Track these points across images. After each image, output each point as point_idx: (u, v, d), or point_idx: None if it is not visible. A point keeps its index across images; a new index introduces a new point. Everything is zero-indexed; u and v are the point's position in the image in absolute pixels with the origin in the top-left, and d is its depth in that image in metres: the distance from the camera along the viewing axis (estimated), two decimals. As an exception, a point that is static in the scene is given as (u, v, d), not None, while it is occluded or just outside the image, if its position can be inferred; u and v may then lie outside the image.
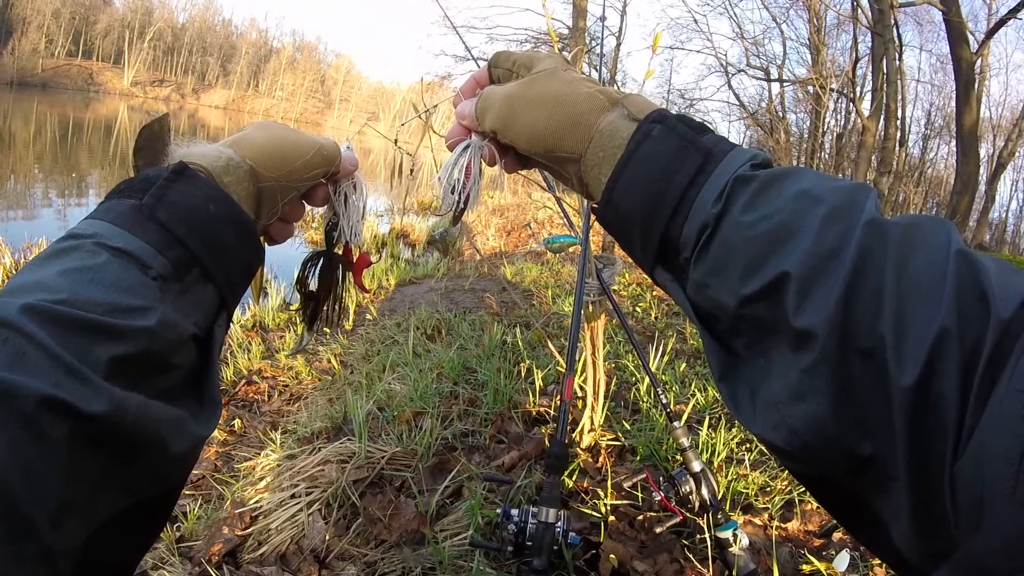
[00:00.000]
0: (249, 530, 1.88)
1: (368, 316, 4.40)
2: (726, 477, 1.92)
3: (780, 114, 18.24)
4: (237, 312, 4.06)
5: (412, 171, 0.76)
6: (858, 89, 15.19)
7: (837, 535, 1.74)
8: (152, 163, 0.56)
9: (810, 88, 15.47)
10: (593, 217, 1.83)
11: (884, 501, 0.35)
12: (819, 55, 15.65)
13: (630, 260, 0.51)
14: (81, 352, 0.38)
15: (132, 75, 71.67)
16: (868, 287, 0.34)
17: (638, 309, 4.29)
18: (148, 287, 0.45)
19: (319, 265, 0.72)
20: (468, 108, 0.59)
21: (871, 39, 11.64)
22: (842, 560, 1.51)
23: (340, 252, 0.73)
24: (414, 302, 4.68)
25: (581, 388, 2.15)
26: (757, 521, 1.79)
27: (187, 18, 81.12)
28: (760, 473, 1.98)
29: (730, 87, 17.72)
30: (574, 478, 1.92)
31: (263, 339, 4.08)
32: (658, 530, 1.57)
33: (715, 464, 2.02)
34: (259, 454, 2.36)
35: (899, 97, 11.87)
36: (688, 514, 1.57)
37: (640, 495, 1.81)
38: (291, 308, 4.82)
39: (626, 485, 1.79)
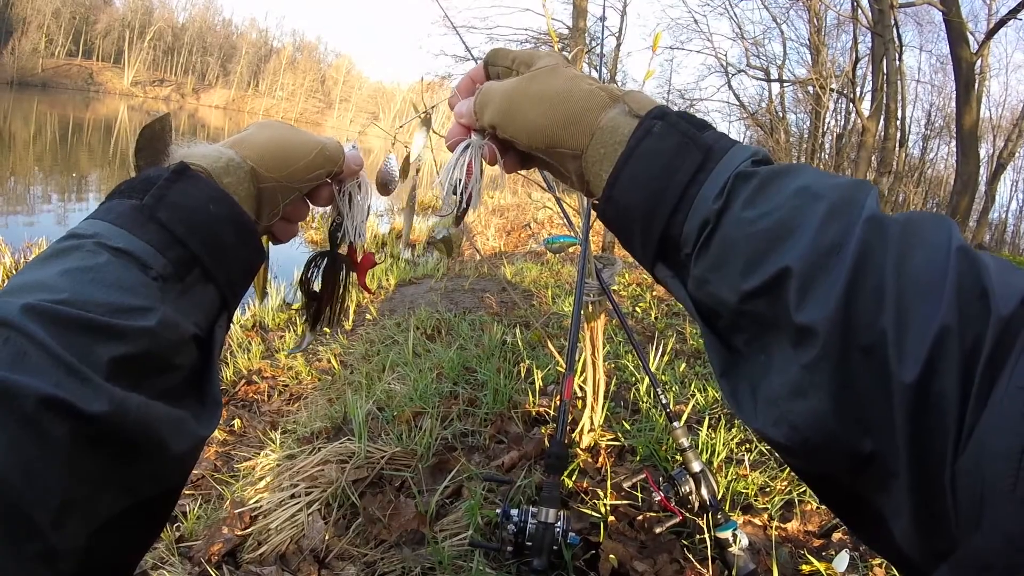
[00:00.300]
0: (249, 530, 1.88)
1: (368, 316, 4.40)
2: (726, 477, 1.92)
3: (780, 114, 18.23)
4: (237, 312, 4.05)
5: (418, 171, 0.75)
6: (858, 89, 15.18)
7: (837, 535, 1.74)
8: (153, 163, 0.56)
9: (810, 88, 15.45)
10: (593, 217, 1.83)
11: (885, 499, 0.35)
12: (819, 55, 15.64)
13: (630, 260, 0.51)
14: (82, 352, 0.38)
15: (132, 75, 71.66)
16: (869, 283, 0.34)
17: (638, 309, 4.29)
18: (149, 287, 0.45)
19: (323, 265, 0.72)
20: (466, 107, 0.59)
21: (871, 39, 11.63)
22: (842, 560, 1.51)
23: (344, 252, 0.72)
24: (414, 302, 4.68)
25: (581, 388, 2.15)
26: (757, 521, 1.79)
27: (187, 18, 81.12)
28: (760, 473, 1.98)
29: (730, 87, 17.72)
30: (574, 478, 1.92)
31: (263, 339, 4.08)
32: (658, 530, 1.57)
33: (715, 464, 2.02)
34: (259, 454, 2.36)
35: (899, 97, 11.87)
36: (688, 514, 1.57)
37: (640, 495, 1.81)
38: (292, 308, 4.82)
39: (626, 485, 1.79)
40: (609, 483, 1.84)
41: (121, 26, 72.49)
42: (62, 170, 14.40)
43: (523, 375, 2.73)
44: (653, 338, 3.50)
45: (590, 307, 1.97)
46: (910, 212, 0.38)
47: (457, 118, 0.60)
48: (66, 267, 0.43)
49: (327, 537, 1.78)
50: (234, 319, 2.88)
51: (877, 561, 1.61)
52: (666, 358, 2.98)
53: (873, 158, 11.93)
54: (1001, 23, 10.81)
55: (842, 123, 17.60)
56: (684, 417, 2.22)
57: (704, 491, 1.53)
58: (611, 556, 1.55)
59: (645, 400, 2.48)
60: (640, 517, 1.74)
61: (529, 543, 1.36)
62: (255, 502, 1.98)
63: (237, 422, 2.87)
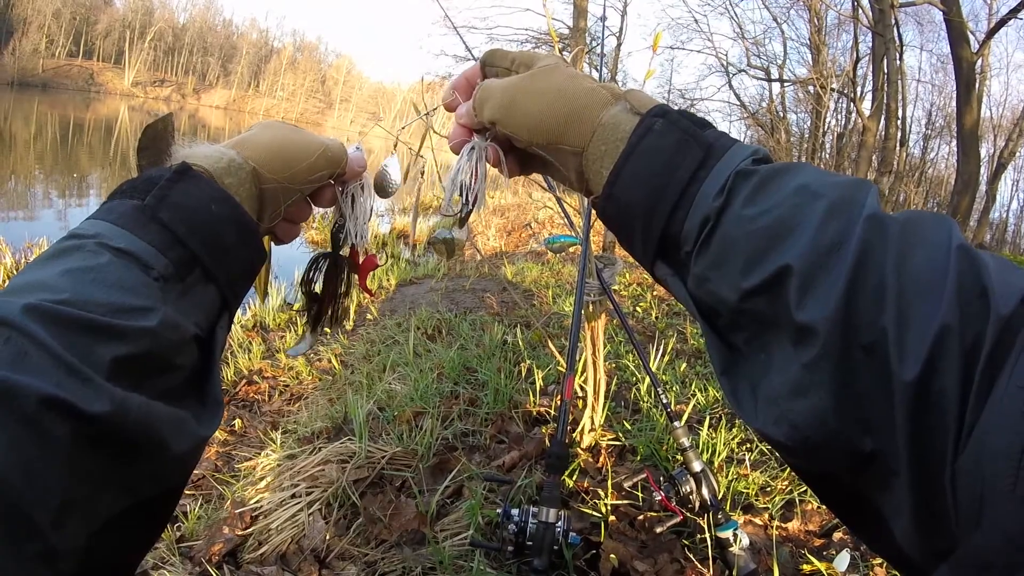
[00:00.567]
0: (249, 530, 1.88)
1: (369, 316, 4.40)
2: (726, 477, 1.92)
3: (781, 114, 18.24)
4: (238, 312, 4.05)
5: (422, 173, 0.75)
6: (859, 89, 15.17)
7: (837, 535, 1.74)
8: (155, 163, 0.56)
9: (811, 88, 15.45)
10: (594, 217, 1.83)
11: (885, 497, 0.35)
12: (820, 55, 15.64)
13: (631, 260, 0.51)
14: (83, 352, 0.38)
15: (133, 75, 71.71)
16: (870, 282, 0.35)
17: (638, 309, 4.28)
18: (150, 287, 0.45)
19: (324, 267, 0.72)
20: (466, 108, 0.59)
21: (872, 39, 11.63)
22: (842, 560, 1.51)
23: (346, 254, 0.72)
24: (415, 302, 4.67)
25: (581, 388, 2.15)
26: (757, 521, 1.79)
27: (188, 18, 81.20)
28: (760, 473, 1.98)
29: (731, 87, 17.74)
30: (574, 478, 1.92)
31: (264, 339, 4.08)
32: (658, 530, 1.57)
33: (715, 464, 2.02)
34: (259, 454, 2.36)
35: (900, 97, 11.87)
36: (688, 514, 1.57)
37: (640, 495, 1.81)
38: (292, 308, 4.82)
39: (626, 485, 1.79)
40: (610, 483, 1.84)
41: (121, 26, 72.55)
42: (63, 170, 14.41)
43: (524, 375, 2.73)
44: (654, 338, 3.50)
45: (591, 307, 1.97)
46: (910, 211, 0.38)
47: (457, 119, 0.60)
48: (67, 267, 0.43)
49: (328, 537, 1.78)
50: (235, 319, 2.88)
51: (878, 561, 1.61)
52: (667, 358, 2.98)
53: (874, 158, 11.93)
54: (1002, 23, 10.80)
55: (843, 123, 17.61)
56: (685, 417, 2.21)
57: (705, 491, 1.53)
58: (612, 556, 1.55)
59: (646, 400, 2.48)
60: (641, 517, 1.73)
61: (530, 543, 1.36)
62: (256, 502, 1.98)
63: (238, 422, 2.87)
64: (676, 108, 0.48)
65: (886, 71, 10.84)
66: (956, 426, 0.30)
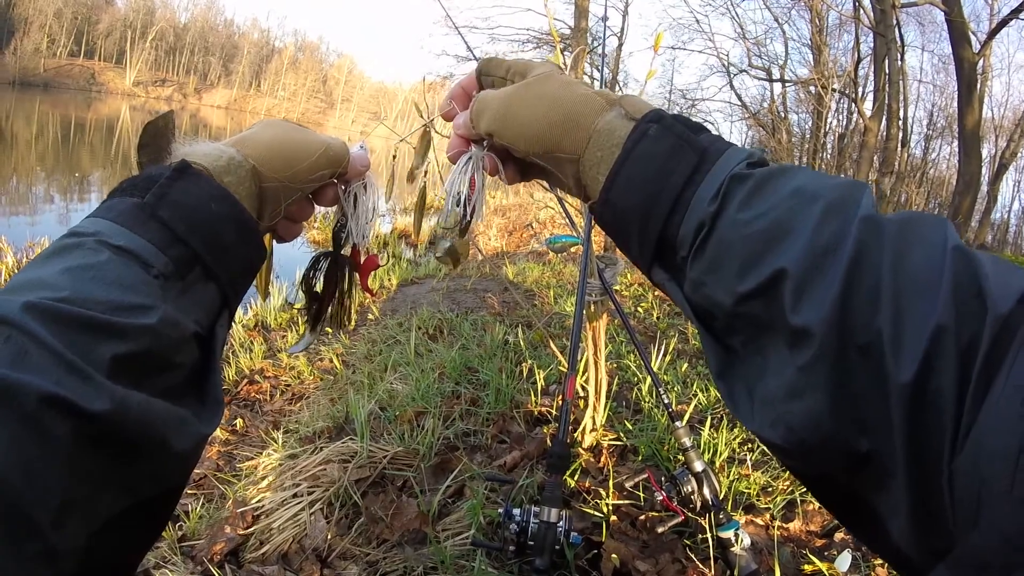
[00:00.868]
0: (251, 529, 1.88)
1: (370, 316, 4.40)
2: (728, 477, 1.92)
3: (782, 114, 18.22)
4: (239, 311, 4.06)
5: (426, 174, 0.75)
6: (860, 89, 15.14)
7: (839, 535, 1.74)
8: (156, 160, 0.55)
9: (812, 88, 15.42)
10: (596, 223, 1.82)
11: (882, 498, 0.35)
12: (821, 55, 15.61)
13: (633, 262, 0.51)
14: (83, 350, 0.38)
15: (134, 75, 71.82)
16: (865, 283, 0.35)
17: (640, 309, 4.28)
18: (150, 285, 0.45)
19: (326, 266, 0.71)
20: (463, 118, 0.59)
21: (873, 39, 11.61)
22: (844, 560, 1.51)
23: (348, 254, 0.72)
24: (416, 302, 4.68)
25: (583, 388, 2.15)
26: (759, 521, 1.79)
27: (189, 18, 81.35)
28: (762, 473, 1.98)
29: (732, 87, 17.70)
30: (576, 478, 1.92)
31: (265, 338, 4.08)
32: (660, 530, 1.57)
33: (717, 464, 2.02)
34: (261, 453, 2.37)
35: (901, 97, 11.86)
36: (690, 514, 1.57)
37: (642, 495, 1.81)
38: (293, 307, 4.82)
39: (628, 485, 1.79)
40: (611, 483, 1.83)
41: (123, 26, 72.68)
42: (64, 170, 14.44)
43: (525, 375, 2.73)
44: (655, 338, 3.50)
45: (592, 307, 1.97)
46: (906, 212, 0.38)
47: (455, 130, 0.61)
48: (67, 265, 0.43)
49: (329, 536, 1.78)
50: (236, 318, 2.88)
51: (879, 562, 1.61)
52: (668, 358, 2.98)
53: (875, 158, 11.92)
54: (1003, 23, 10.78)
55: (844, 123, 17.58)
56: (686, 417, 2.21)
57: (706, 491, 1.53)
58: (613, 556, 1.55)
59: (647, 400, 2.48)
60: (642, 517, 1.73)
61: (531, 543, 1.36)
62: (257, 501, 1.98)
63: (239, 421, 2.87)
64: (672, 113, 0.48)
65: (887, 71, 10.84)
66: (953, 426, 0.30)
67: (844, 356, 0.34)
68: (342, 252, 0.71)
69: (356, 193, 0.67)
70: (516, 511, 1.40)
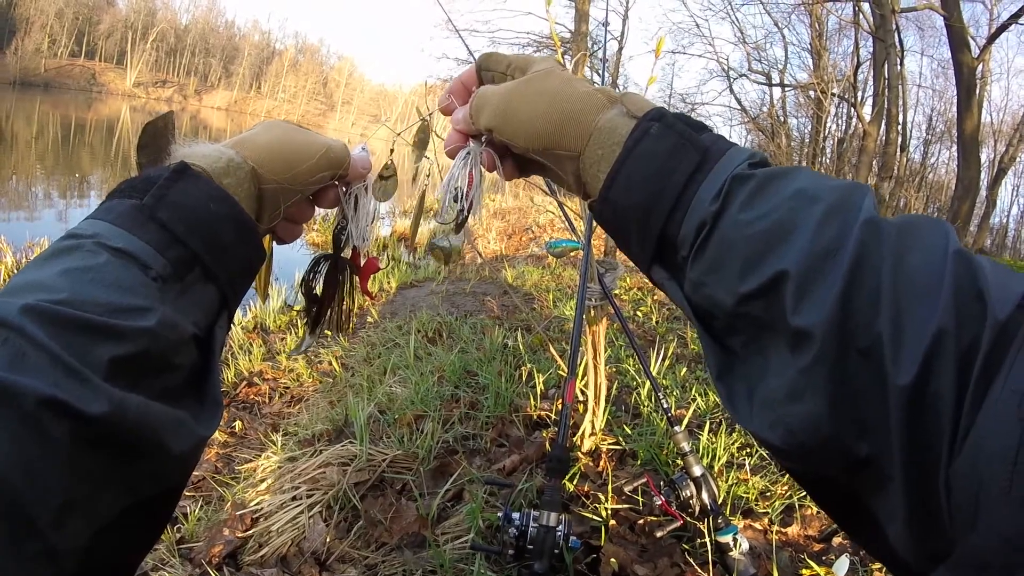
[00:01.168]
0: (250, 532, 1.88)
1: (369, 319, 4.40)
2: (727, 482, 1.92)
3: (781, 119, 18.24)
4: (238, 314, 4.06)
5: (428, 175, 0.75)
6: (859, 94, 15.17)
7: (837, 540, 1.74)
8: (155, 160, 0.55)
9: (811, 93, 15.45)
10: (596, 221, 1.82)
11: (880, 501, 0.35)
12: (821, 60, 15.64)
13: (632, 264, 0.51)
14: (81, 352, 0.38)
15: (135, 76, 71.84)
16: (866, 286, 0.35)
17: (639, 313, 4.28)
18: (148, 287, 0.45)
19: (325, 268, 0.71)
20: (463, 113, 0.58)
21: (872, 44, 11.64)
22: (842, 565, 1.50)
23: (348, 256, 0.71)
24: (415, 305, 4.67)
25: (582, 392, 2.15)
26: (757, 526, 1.79)
27: (190, 19, 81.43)
28: (760, 478, 1.98)
29: (732, 91, 17.72)
30: (575, 482, 1.92)
31: (264, 341, 4.08)
32: (659, 534, 1.57)
33: (716, 469, 2.02)
34: (260, 456, 2.37)
35: (900, 102, 11.88)
36: (688, 518, 1.56)
37: (641, 499, 1.81)
38: (293, 309, 4.82)
39: (627, 489, 1.79)
40: (610, 487, 1.83)
41: (124, 27, 72.71)
42: (64, 170, 14.44)
43: (524, 379, 2.73)
44: (654, 342, 3.50)
45: (592, 311, 1.97)
46: (906, 215, 0.38)
47: (454, 125, 0.60)
48: (65, 267, 0.42)
49: (328, 539, 1.78)
50: (235, 321, 2.88)
51: (877, 566, 1.61)
52: (667, 362, 2.98)
53: (874, 163, 11.93)
54: (1002, 28, 10.80)
55: (843, 127, 17.61)
56: (685, 421, 2.21)
57: (705, 495, 1.53)
58: (612, 560, 1.55)
59: (646, 404, 2.48)
60: (641, 521, 1.73)
61: (530, 546, 1.36)
62: (256, 504, 1.98)
63: (238, 424, 2.87)
64: (673, 112, 0.48)
65: (887, 76, 10.85)
66: (951, 429, 0.30)
67: (844, 358, 0.34)
68: (342, 255, 0.71)
69: (357, 195, 0.67)
70: (515, 515, 1.40)
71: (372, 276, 0.74)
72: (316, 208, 0.66)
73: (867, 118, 12.03)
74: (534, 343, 3.29)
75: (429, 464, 2.06)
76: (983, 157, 12.36)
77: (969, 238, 11.86)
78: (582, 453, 2.10)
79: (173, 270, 0.47)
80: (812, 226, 0.38)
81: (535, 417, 2.38)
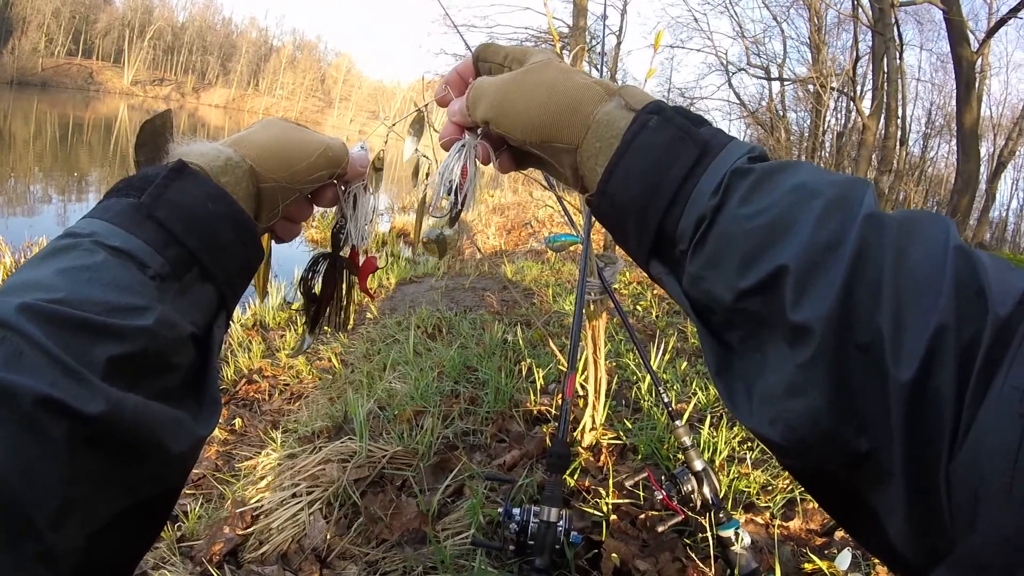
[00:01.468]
0: (250, 529, 1.88)
1: (369, 315, 4.40)
2: (728, 476, 1.92)
3: (780, 113, 18.22)
4: (237, 311, 4.06)
5: (428, 174, 0.74)
6: (858, 88, 15.15)
7: (839, 534, 1.74)
8: (153, 159, 0.55)
9: (810, 87, 15.42)
10: (593, 215, 1.82)
11: (880, 497, 0.35)
12: (819, 54, 15.61)
13: (631, 259, 0.50)
14: (78, 352, 0.37)
15: (132, 74, 71.66)
16: (866, 281, 0.34)
17: (639, 308, 4.28)
18: (146, 286, 0.45)
19: (324, 267, 0.71)
20: (459, 105, 0.58)
21: (871, 38, 11.61)
22: (844, 559, 1.51)
23: (347, 255, 0.71)
24: (415, 301, 4.67)
25: (582, 387, 2.15)
26: (759, 520, 1.79)
27: (187, 17, 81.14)
28: (762, 472, 1.98)
29: (730, 86, 17.72)
30: (576, 477, 1.92)
31: (263, 338, 4.08)
32: (660, 529, 1.57)
33: (717, 463, 2.02)
34: (260, 453, 2.37)
35: (899, 96, 11.86)
36: (690, 513, 1.56)
37: (642, 494, 1.81)
38: (292, 307, 4.82)
39: (628, 484, 1.79)
40: (611, 482, 1.83)
41: (121, 25, 72.50)
42: (62, 169, 14.43)
43: (524, 374, 2.72)
44: (654, 336, 3.50)
45: (592, 305, 1.97)
46: (907, 210, 0.38)
47: (450, 116, 0.59)
48: (63, 266, 0.42)
49: (328, 536, 1.78)
50: (234, 318, 2.87)
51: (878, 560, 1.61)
52: (667, 356, 2.98)
53: (874, 156, 11.92)
54: (1002, 22, 10.79)
55: (843, 121, 17.57)
56: (686, 415, 2.21)
57: (706, 490, 1.53)
58: (613, 555, 1.55)
59: (647, 399, 2.48)
60: (642, 516, 1.73)
61: (531, 542, 1.36)
62: (256, 501, 1.98)
63: (238, 421, 2.87)
64: (672, 105, 0.48)
65: (886, 70, 10.83)
66: (952, 425, 0.30)
67: (844, 354, 0.34)
68: (341, 253, 0.71)
69: (356, 194, 0.66)
70: (516, 510, 1.40)
71: (371, 274, 0.74)
72: (314, 207, 0.66)
73: (866, 112, 12.02)
74: (534, 338, 3.29)
75: (429, 460, 2.06)
76: (982, 151, 12.37)
77: (969, 232, 11.86)
78: (583, 448, 2.10)
79: (171, 269, 0.47)
80: (812, 221, 0.37)
81: (535, 412, 2.38)
